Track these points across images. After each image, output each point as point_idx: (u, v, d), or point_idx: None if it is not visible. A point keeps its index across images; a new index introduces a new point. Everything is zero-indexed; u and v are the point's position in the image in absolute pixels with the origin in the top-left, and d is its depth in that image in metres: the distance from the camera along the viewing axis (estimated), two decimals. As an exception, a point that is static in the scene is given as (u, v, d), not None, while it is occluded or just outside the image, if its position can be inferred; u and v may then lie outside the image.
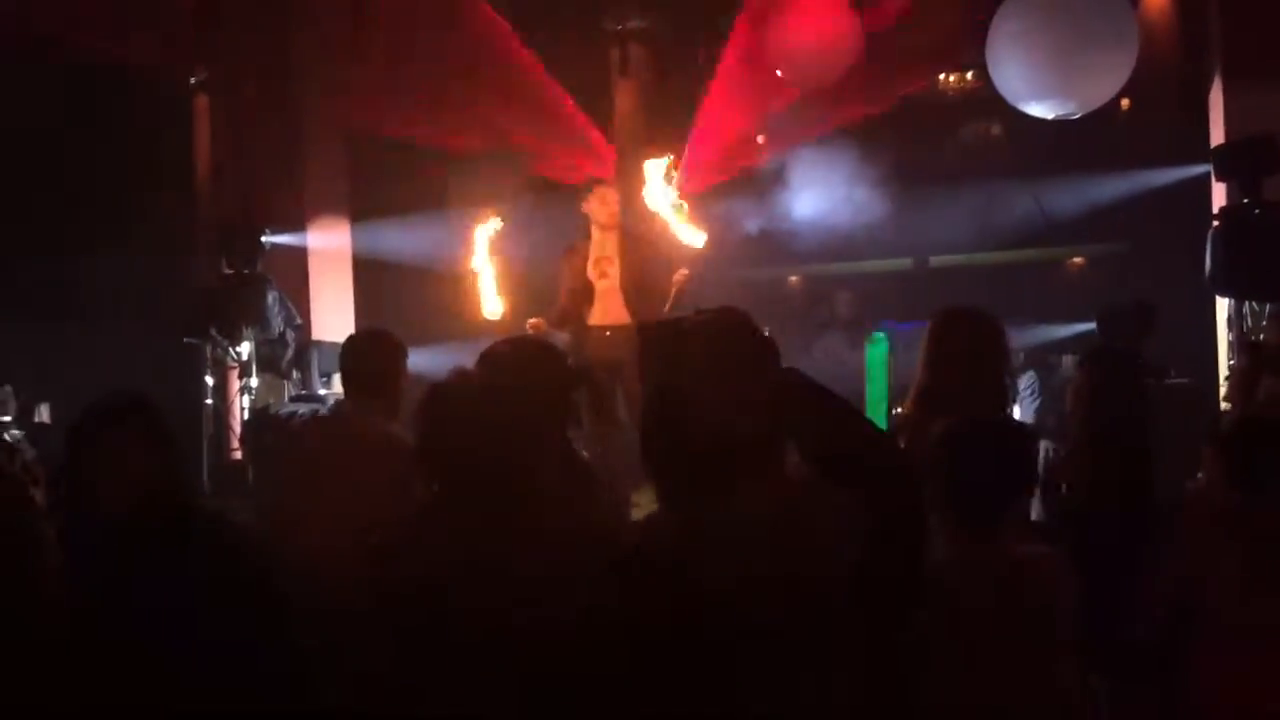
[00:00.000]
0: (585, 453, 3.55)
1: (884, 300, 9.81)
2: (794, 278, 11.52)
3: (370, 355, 4.18)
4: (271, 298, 8.59)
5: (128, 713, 1.85)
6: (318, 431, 4.40)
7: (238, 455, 8.40)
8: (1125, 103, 9.28)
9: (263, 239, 8.72)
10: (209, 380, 8.67)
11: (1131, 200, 8.90)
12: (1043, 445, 5.36)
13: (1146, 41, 8.12)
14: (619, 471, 5.91)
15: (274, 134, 9.01)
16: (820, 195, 8.73)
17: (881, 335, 6.81)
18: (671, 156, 7.71)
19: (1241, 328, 7.49)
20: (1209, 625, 3.04)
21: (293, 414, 7.82)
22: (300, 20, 9.14)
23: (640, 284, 7.12)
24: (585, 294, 7.20)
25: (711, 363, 2.30)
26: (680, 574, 2.21)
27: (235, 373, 8.74)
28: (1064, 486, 3.67)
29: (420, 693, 2.56)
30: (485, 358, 3.31)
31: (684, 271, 7.04)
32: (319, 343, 8.75)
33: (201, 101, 9.50)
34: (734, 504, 2.22)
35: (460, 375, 3.18)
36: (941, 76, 10.12)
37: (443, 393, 2.95)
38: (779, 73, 8.47)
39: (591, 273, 7.20)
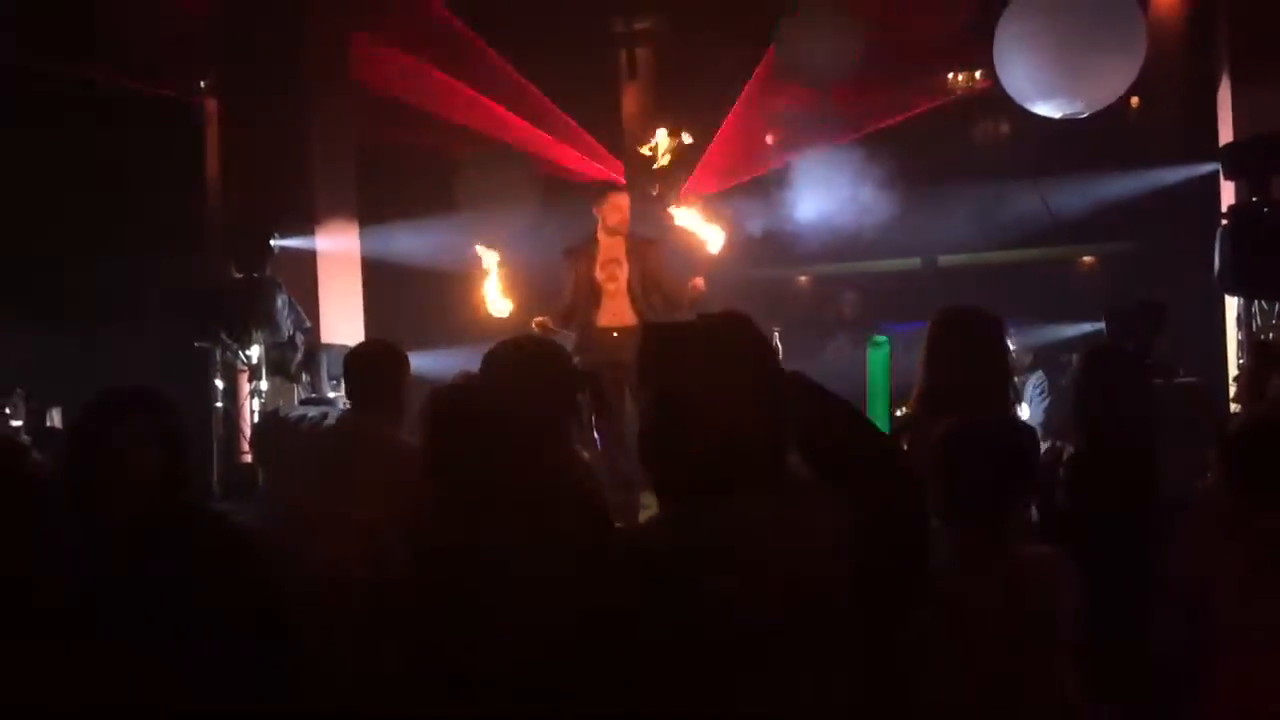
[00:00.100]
0: (586, 454, 3.55)
1: (892, 300, 9.80)
2: (803, 278, 11.52)
3: (371, 368, 4.21)
4: (281, 301, 8.60)
5: (127, 713, 1.86)
6: (325, 439, 4.43)
7: (248, 458, 8.42)
8: (1135, 101, 9.27)
9: (272, 242, 8.72)
10: (219, 383, 8.68)
11: (1140, 199, 8.88)
12: (1054, 445, 5.35)
13: (1155, 40, 8.12)
14: (629, 473, 5.92)
15: (283, 137, 9.03)
16: (829, 195, 8.74)
17: (883, 338, 6.80)
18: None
19: (1251, 327, 7.47)
20: (1213, 627, 3.03)
21: (302, 417, 7.83)
22: (310, 24, 9.18)
23: (656, 287, 7.13)
24: (593, 295, 7.21)
25: (712, 366, 2.31)
26: (680, 575, 2.22)
27: (245, 376, 8.76)
28: (1063, 486, 3.66)
29: (421, 693, 2.57)
30: (490, 358, 3.32)
31: (699, 282, 7.05)
32: (328, 346, 8.76)
33: (211, 105, 9.53)
34: (734, 505, 2.22)
35: (465, 378, 3.19)
36: (950, 76, 10.12)
37: (448, 396, 2.97)
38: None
39: (600, 274, 7.21)
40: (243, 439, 8.59)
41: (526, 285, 7.81)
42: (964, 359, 3.76)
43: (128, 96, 8.73)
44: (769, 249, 9.41)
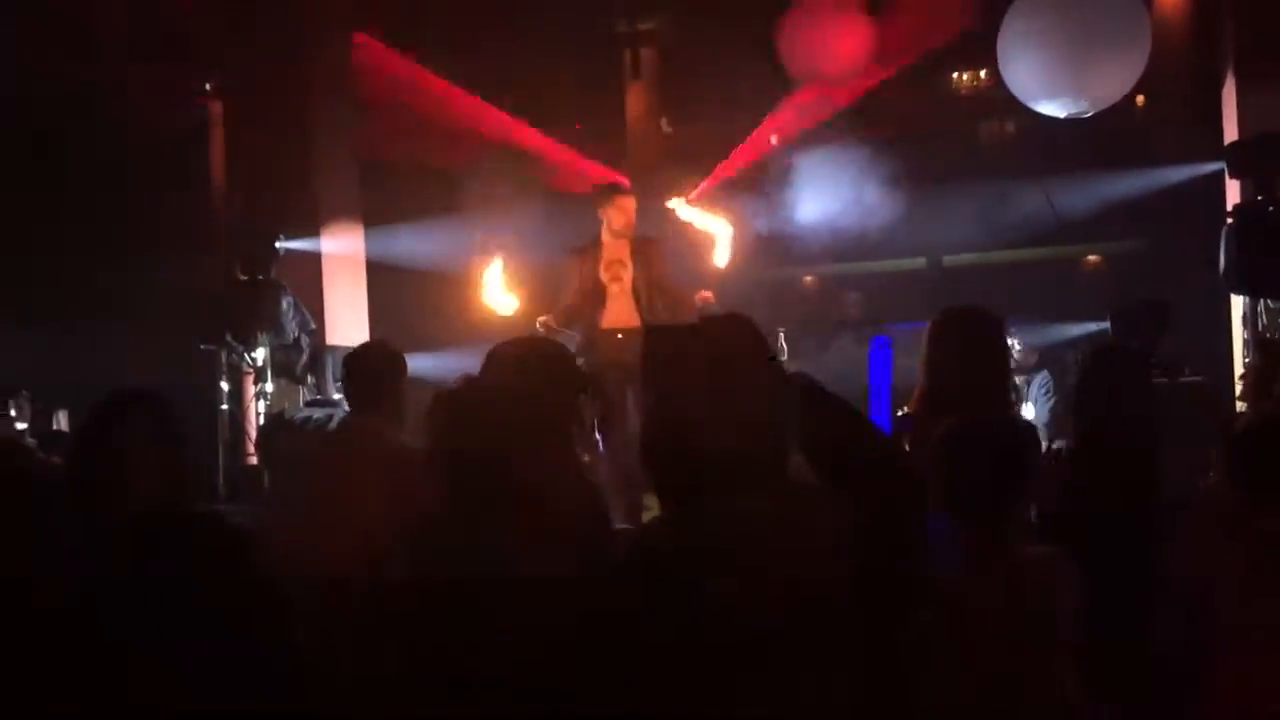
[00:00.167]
0: (586, 456, 3.56)
1: (898, 300, 9.80)
2: (809, 278, 11.52)
3: (369, 370, 4.23)
4: (286, 303, 8.62)
5: (127, 713, 1.87)
6: (325, 442, 4.46)
7: (254, 460, 8.44)
8: (1140, 100, 9.27)
9: (277, 244, 8.74)
10: (224, 386, 8.71)
11: (1145, 198, 8.88)
12: (1056, 444, 5.34)
13: (1160, 38, 8.11)
14: (633, 473, 5.93)
15: (288, 139, 9.05)
16: (834, 195, 8.74)
17: (884, 339, 6.81)
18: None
19: (1256, 325, 7.47)
20: (1213, 627, 3.02)
21: (308, 419, 7.87)
22: (314, 25, 9.20)
23: (660, 289, 7.14)
24: (597, 296, 7.21)
25: (713, 368, 2.31)
26: (681, 576, 2.22)
27: (250, 378, 8.78)
28: (1064, 486, 3.65)
29: (422, 694, 2.57)
30: (491, 358, 3.31)
31: (708, 295, 7.05)
32: (333, 348, 8.77)
33: (216, 108, 9.55)
34: (734, 506, 2.23)
35: (468, 380, 3.19)
36: (955, 75, 10.13)
37: (451, 399, 2.97)
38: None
39: (604, 275, 7.21)
40: (248, 441, 8.61)
41: (531, 285, 7.82)
42: (964, 359, 3.76)
43: (133, 98, 8.74)
44: (774, 249, 9.41)
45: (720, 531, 2.21)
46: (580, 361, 6.11)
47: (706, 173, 9.26)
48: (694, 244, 7.61)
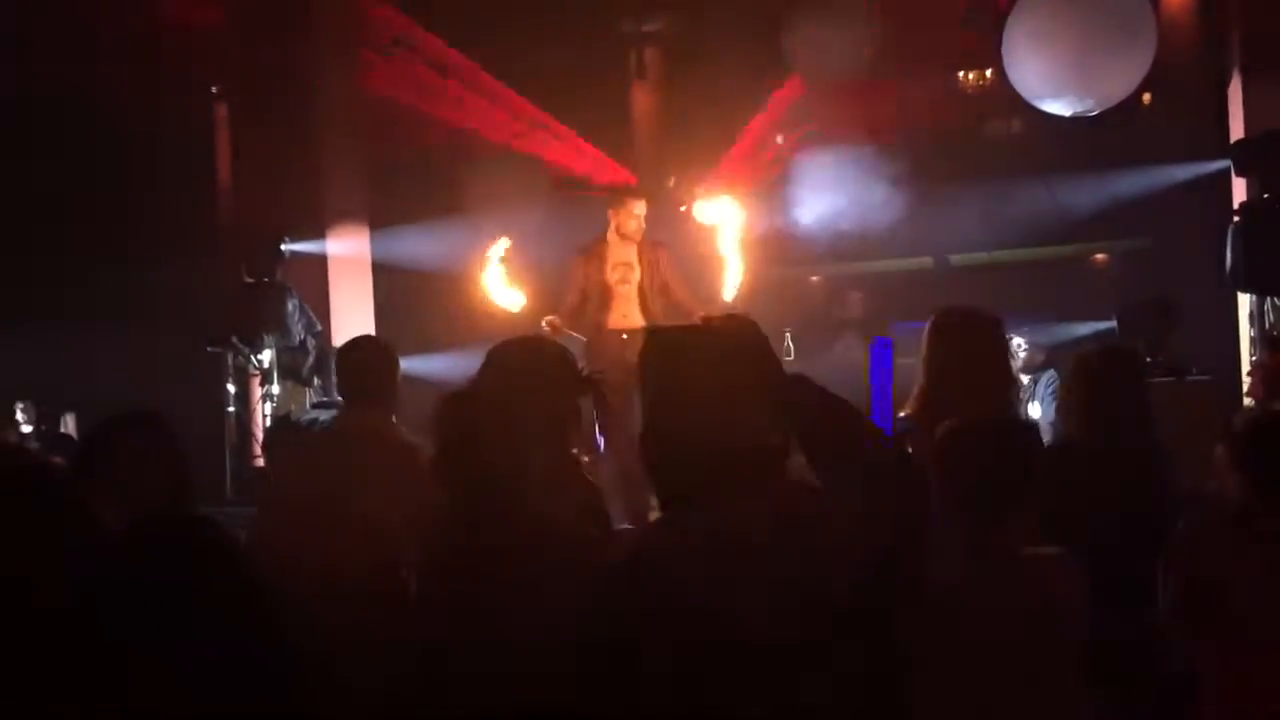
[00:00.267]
0: (585, 457, 3.56)
1: (904, 299, 9.78)
2: (815, 277, 11.51)
3: (362, 363, 4.22)
4: (292, 305, 8.64)
5: (126, 715, 1.87)
6: (322, 438, 4.45)
7: (260, 463, 8.45)
8: (1147, 97, 9.25)
9: (282, 246, 8.76)
10: (231, 388, 8.72)
11: (1152, 196, 8.86)
12: (1058, 444, 5.32)
13: (1166, 36, 8.10)
14: (638, 472, 5.92)
15: (293, 141, 9.06)
16: (840, 195, 8.73)
17: (885, 340, 6.81)
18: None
19: (1263, 323, 7.46)
20: (1215, 628, 3.02)
21: (314, 421, 7.86)
22: (320, 28, 9.21)
23: (665, 292, 7.14)
24: (604, 297, 7.21)
25: (714, 368, 2.31)
26: (681, 578, 2.22)
27: (257, 380, 8.79)
28: (1065, 485, 3.64)
29: (423, 694, 2.58)
30: (491, 358, 3.31)
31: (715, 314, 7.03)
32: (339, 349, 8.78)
33: (221, 110, 9.57)
34: (735, 509, 2.22)
35: (472, 383, 3.19)
36: (960, 74, 10.11)
37: (456, 402, 2.97)
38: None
39: (611, 276, 7.21)
40: (255, 443, 8.62)
41: (536, 283, 7.80)
42: (964, 359, 3.76)
43: (138, 101, 8.76)
44: (781, 249, 9.40)
45: (720, 532, 2.21)
46: (584, 362, 6.12)
47: (711, 171, 9.27)
48: (703, 255, 7.58)
